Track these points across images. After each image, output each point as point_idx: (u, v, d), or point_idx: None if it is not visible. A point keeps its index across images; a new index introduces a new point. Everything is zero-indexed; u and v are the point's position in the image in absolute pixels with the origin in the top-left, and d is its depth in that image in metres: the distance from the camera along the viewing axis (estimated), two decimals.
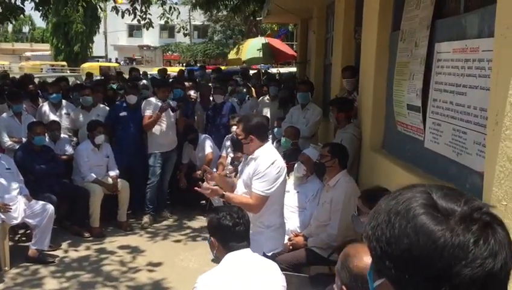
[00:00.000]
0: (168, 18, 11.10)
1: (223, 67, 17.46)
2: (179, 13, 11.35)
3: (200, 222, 6.27)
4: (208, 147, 6.52)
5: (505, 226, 0.82)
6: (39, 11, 10.81)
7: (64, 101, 7.05)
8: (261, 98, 7.89)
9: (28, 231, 5.38)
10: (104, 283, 4.61)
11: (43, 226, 5.00)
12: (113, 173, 6.08)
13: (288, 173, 3.66)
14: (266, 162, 3.19)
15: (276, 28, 22.99)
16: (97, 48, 40.27)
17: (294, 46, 18.19)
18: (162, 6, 11.09)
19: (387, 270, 0.83)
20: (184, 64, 29.37)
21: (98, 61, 34.83)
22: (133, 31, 44.71)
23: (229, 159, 6.41)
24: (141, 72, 12.64)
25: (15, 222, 4.94)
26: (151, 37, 41.48)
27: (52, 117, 6.64)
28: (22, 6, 10.16)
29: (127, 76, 11.79)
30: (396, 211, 0.83)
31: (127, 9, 10.58)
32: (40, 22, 57.94)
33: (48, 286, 4.55)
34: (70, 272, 4.83)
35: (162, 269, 4.94)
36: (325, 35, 8.29)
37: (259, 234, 3.20)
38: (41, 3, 10.43)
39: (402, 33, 3.74)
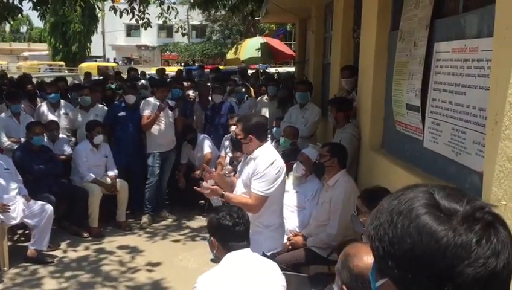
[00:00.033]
0: (166, 18, 11.08)
1: (221, 67, 17.45)
2: (177, 13, 11.31)
3: (199, 221, 6.28)
4: (207, 147, 6.52)
5: (507, 226, 0.82)
6: (37, 11, 10.76)
7: (62, 101, 7.05)
8: (259, 98, 7.88)
9: (27, 231, 5.38)
10: (103, 283, 4.60)
11: (42, 227, 5.00)
12: (112, 173, 6.07)
13: (287, 172, 3.66)
14: (265, 162, 3.19)
15: (274, 28, 23.00)
16: (95, 48, 40.20)
17: (293, 46, 18.20)
18: (160, 5, 11.07)
19: (389, 270, 0.83)
20: (182, 64, 29.36)
21: (96, 61, 34.75)
22: (131, 30, 44.63)
23: (227, 159, 6.41)
24: (139, 72, 12.63)
25: (14, 222, 4.94)
26: (149, 37, 41.45)
27: (51, 117, 6.63)
28: (20, 6, 10.13)
29: (125, 76, 11.78)
30: (399, 211, 0.84)
31: (125, 9, 10.56)
32: (37, 22, 57.93)
33: (47, 286, 4.55)
34: (69, 272, 4.82)
35: (161, 269, 4.93)
36: (324, 35, 8.30)
37: (258, 234, 3.20)
38: (39, 3, 10.39)
39: (401, 33, 3.75)
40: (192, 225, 6.26)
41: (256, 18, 14.74)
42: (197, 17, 31.60)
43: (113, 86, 9.34)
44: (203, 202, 6.52)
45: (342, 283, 1.63)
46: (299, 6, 8.97)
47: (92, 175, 5.89)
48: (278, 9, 8.81)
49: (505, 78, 1.93)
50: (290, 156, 4.68)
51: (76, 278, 4.71)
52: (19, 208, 4.92)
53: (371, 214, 0.90)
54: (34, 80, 10.35)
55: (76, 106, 6.89)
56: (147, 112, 6.14)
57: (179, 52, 39.42)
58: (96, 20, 37.76)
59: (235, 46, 17.50)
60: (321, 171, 4.03)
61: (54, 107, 6.87)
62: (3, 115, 6.34)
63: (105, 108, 6.80)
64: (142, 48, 42.21)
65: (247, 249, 2.56)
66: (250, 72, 14.73)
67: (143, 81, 9.67)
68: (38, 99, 7.73)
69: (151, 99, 6.31)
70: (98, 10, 15.38)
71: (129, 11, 10.50)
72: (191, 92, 7.37)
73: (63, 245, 5.48)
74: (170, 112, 6.26)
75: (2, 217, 4.78)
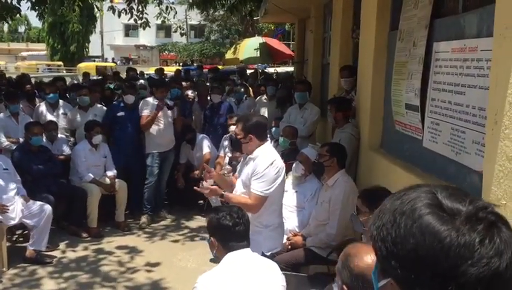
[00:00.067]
0: (164, 17, 11.05)
1: (220, 67, 17.46)
2: (176, 13, 11.29)
3: (198, 221, 6.27)
4: (206, 146, 6.52)
5: (509, 226, 0.82)
6: (35, 11, 10.74)
7: (61, 101, 7.03)
8: (258, 97, 7.88)
9: (26, 232, 5.36)
10: (102, 284, 4.60)
11: (41, 227, 4.99)
12: (111, 173, 6.07)
13: (286, 172, 3.66)
14: (265, 162, 3.19)
15: (273, 28, 23.01)
16: (93, 48, 40.17)
17: (291, 46, 18.21)
18: (158, 5, 11.05)
19: (393, 270, 0.83)
20: (181, 64, 29.36)
21: (94, 61, 34.75)
22: (129, 30, 44.60)
23: (226, 159, 6.40)
24: (138, 72, 12.63)
25: (12, 222, 4.93)
26: (147, 37, 41.44)
27: (49, 117, 6.62)
28: (18, 6, 10.11)
29: (123, 76, 11.77)
30: (402, 211, 0.84)
31: (124, 9, 10.54)
32: (36, 22, 57.90)
33: (46, 287, 4.54)
34: (68, 273, 4.81)
35: (160, 269, 4.93)
36: (323, 35, 8.30)
37: (258, 234, 3.20)
38: (38, 2, 10.37)
39: (400, 33, 3.75)
40: (191, 225, 6.25)
41: (254, 18, 14.76)
42: (195, 17, 31.61)
43: (111, 86, 9.33)
44: (202, 202, 6.52)
45: (343, 282, 1.63)
46: (298, 6, 8.97)
47: (91, 175, 5.88)
48: (276, 9, 8.81)
49: (505, 77, 1.94)
50: (289, 156, 4.68)
51: (75, 278, 4.70)
52: (17, 208, 4.91)
53: (374, 215, 0.90)
54: (33, 80, 10.35)
55: (75, 106, 6.87)
56: (145, 112, 6.14)
57: (178, 52, 39.40)
58: (95, 20, 37.71)
59: (233, 46, 17.53)
60: (320, 171, 4.03)
61: (53, 107, 6.86)
62: (1, 115, 6.33)
63: (104, 108, 6.78)
64: (141, 47, 42.19)
65: (247, 249, 2.55)
66: (249, 72, 14.73)
67: (142, 81, 9.66)
68: (37, 100, 7.71)
69: (150, 99, 6.30)
70: (96, 10, 15.31)
71: (127, 11, 10.49)
72: (189, 92, 7.37)
73: (62, 245, 5.47)
74: (169, 112, 6.25)
75: (0, 217, 4.77)
